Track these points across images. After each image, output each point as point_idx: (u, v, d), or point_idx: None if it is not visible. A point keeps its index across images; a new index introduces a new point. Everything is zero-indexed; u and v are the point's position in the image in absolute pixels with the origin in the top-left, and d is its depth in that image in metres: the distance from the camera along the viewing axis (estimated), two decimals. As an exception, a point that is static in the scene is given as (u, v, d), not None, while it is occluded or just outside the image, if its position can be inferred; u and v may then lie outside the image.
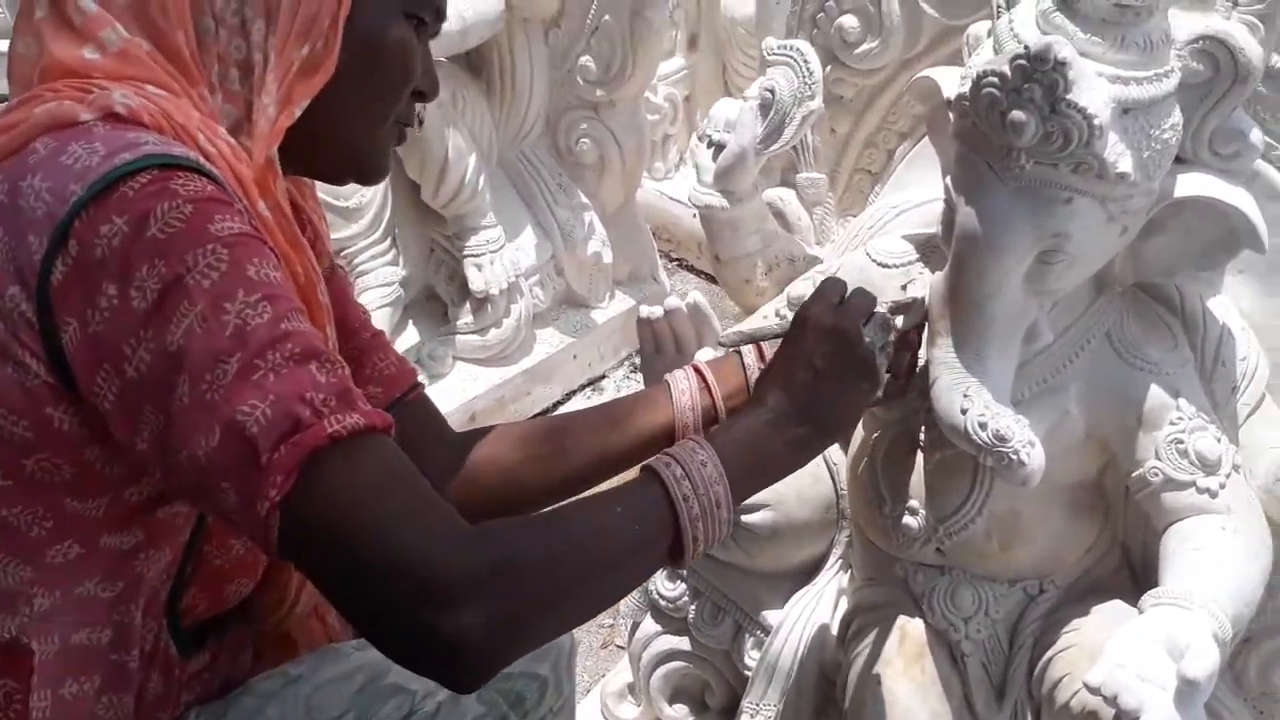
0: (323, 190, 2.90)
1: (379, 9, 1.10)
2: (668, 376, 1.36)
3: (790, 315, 1.55)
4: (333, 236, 2.95)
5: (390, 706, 1.22)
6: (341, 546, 0.90)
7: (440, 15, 1.19)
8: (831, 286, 1.26)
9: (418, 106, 1.22)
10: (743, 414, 1.17)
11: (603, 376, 3.38)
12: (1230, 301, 1.38)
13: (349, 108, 1.11)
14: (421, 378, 2.92)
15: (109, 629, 1.09)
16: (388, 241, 3.07)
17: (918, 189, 1.59)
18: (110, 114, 0.97)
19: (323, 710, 1.21)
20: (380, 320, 3.00)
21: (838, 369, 1.18)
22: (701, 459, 1.07)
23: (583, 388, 3.34)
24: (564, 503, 1.03)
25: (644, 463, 1.09)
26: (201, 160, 0.98)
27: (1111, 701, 1.12)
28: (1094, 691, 1.14)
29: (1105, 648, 1.16)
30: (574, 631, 2.40)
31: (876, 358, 1.22)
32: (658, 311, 1.51)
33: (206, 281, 0.91)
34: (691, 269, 3.95)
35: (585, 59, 3.05)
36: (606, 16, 2.97)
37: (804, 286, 1.57)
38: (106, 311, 0.91)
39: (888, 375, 1.29)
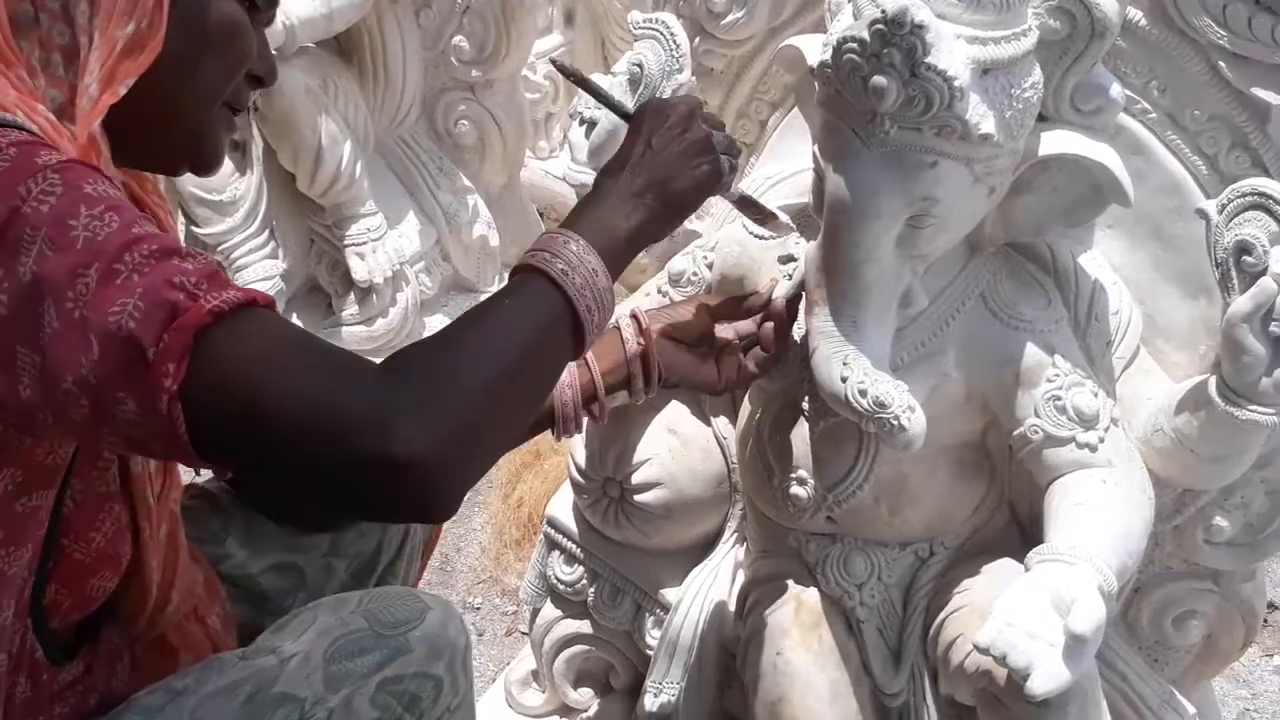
0: (195, 184, 2.86)
1: None
2: None
3: (671, 292, 1.55)
4: (208, 231, 2.92)
5: (279, 716, 1.18)
6: (257, 417, 0.87)
7: (272, 1, 1.17)
8: (680, 99, 1.28)
9: (254, 94, 1.20)
10: (588, 199, 1.17)
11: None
12: (1101, 256, 1.40)
13: (177, 89, 1.08)
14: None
15: None
16: (265, 234, 3.01)
17: (791, 159, 1.59)
18: None
19: None
20: (262, 315, 2.93)
21: (674, 145, 1.20)
22: (563, 239, 1.08)
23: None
24: (455, 320, 1.02)
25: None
26: (20, 120, 0.95)
27: (1001, 661, 1.13)
28: (984, 652, 1.15)
29: (993, 607, 1.17)
30: (476, 621, 2.41)
31: (714, 144, 1.23)
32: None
33: (45, 206, 0.88)
34: (580, 247, 3.92)
35: (459, 39, 3.00)
36: (477, -5, 2.93)
37: (683, 262, 1.56)
38: None
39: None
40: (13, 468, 1.00)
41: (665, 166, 1.19)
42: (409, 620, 1.27)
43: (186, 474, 1.34)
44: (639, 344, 1.36)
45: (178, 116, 1.11)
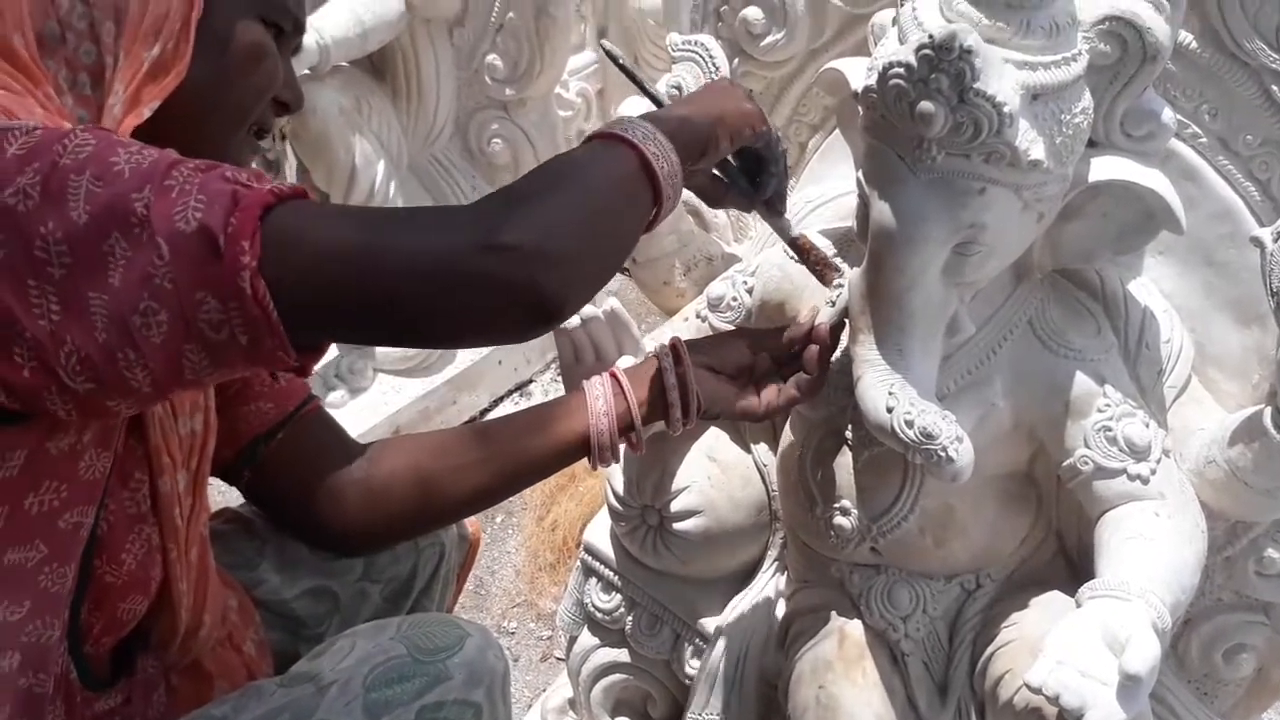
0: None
1: (233, 12, 1.09)
2: (584, 383, 1.36)
3: (711, 317, 1.53)
4: (243, 252, 2.91)
5: None
6: (344, 260, 0.88)
7: (299, 27, 1.18)
8: None
9: (279, 120, 1.21)
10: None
11: (530, 381, 3.34)
12: (1152, 283, 1.37)
13: (203, 113, 1.09)
14: (340, 393, 2.88)
15: (17, 653, 1.06)
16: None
17: (832, 182, 1.57)
18: None
19: None
20: (296, 336, 2.93)
21: (713, 89, 1.26)
22: (630, 120, 1.10)
23: (510, 393, 3.29)
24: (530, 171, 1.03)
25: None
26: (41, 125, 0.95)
27: (1054, 700, 1.10)
28: (1035, 691, 1.12)
29: (1044, 644, 1.15)
30: (512, 646, 2.39)
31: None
32: (575, 320, 1.48)
33: (83, 154, 0.89)
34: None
35: (492, 57, 3.00)
36: (511, 14, 2.92)
37: (723, 286, 1.54)
38: (2, 234, 0.88)
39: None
40: (56, 481, 1.01)
41: (710, 94, 1.24)
42: (448, 647, 1.26)
43: (217, 499, 1.33)
44: (677, 375, 1.35)
45: (202, 141, 1.11)
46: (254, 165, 1.24)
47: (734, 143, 1.23)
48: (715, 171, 1.30)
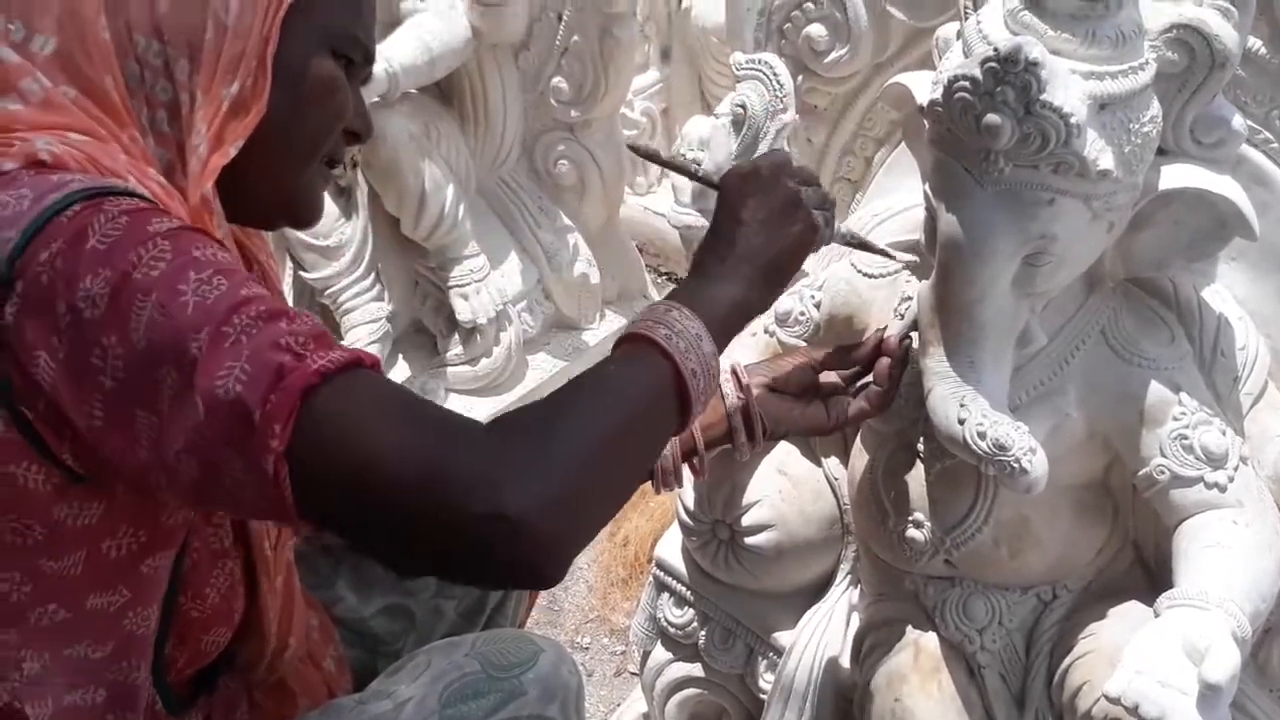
0: (303, 231, 2.91)
1: (306, 47, 1.09)
2: None
3: (778, 331, 1.53)
4: (315, 275, 2.96)
5: None
6: (363, 477, 0.87)
7: (369, 58, 1.18)
8: (766, 155, 1.26)
9: (350, 149, 1.21)
10: (688, 276, 1.16)
11: (599, 398, 3.35)
12: (1225, 290, 1.36)
13: (277, 147, 1.10)
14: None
15: (103, 689, 1.08)
16: (371, 277, 3.04)
17: (898, 195, 1.57)
18: (35, 161, 0.96)
19: None
20: (370, 358, 2.97)
21: (762, 212, 1.18)
22: (665, 308, 1.07)
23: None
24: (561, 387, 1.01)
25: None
26: (133, 186, 0.97)
27: (1133, 711, 1.10)
28: (1114, 701, 1.12)
29: (1123, 654, 1.14)
30: (585, 661, 2.40)
31: (804, 200, 1.20)
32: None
33: (155, 272, 0.89)
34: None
35: (557, 80, 3.02)
36: (575, 37, 2.94)
37: (790, 301, 1.54)
38: (67, 331, 0.89)
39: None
40: (135, 527, 1.02)
41: (757, 236, 1.17)
42: (522, 662, 1.27)
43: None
44: (739, 398, 1.35)
45: (277, 174, 1.13)
46: (326, 196, 1.24)
47: (787, 284, 1.22)
48: None
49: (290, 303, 1.24)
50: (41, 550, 0.98)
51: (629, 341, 1.05)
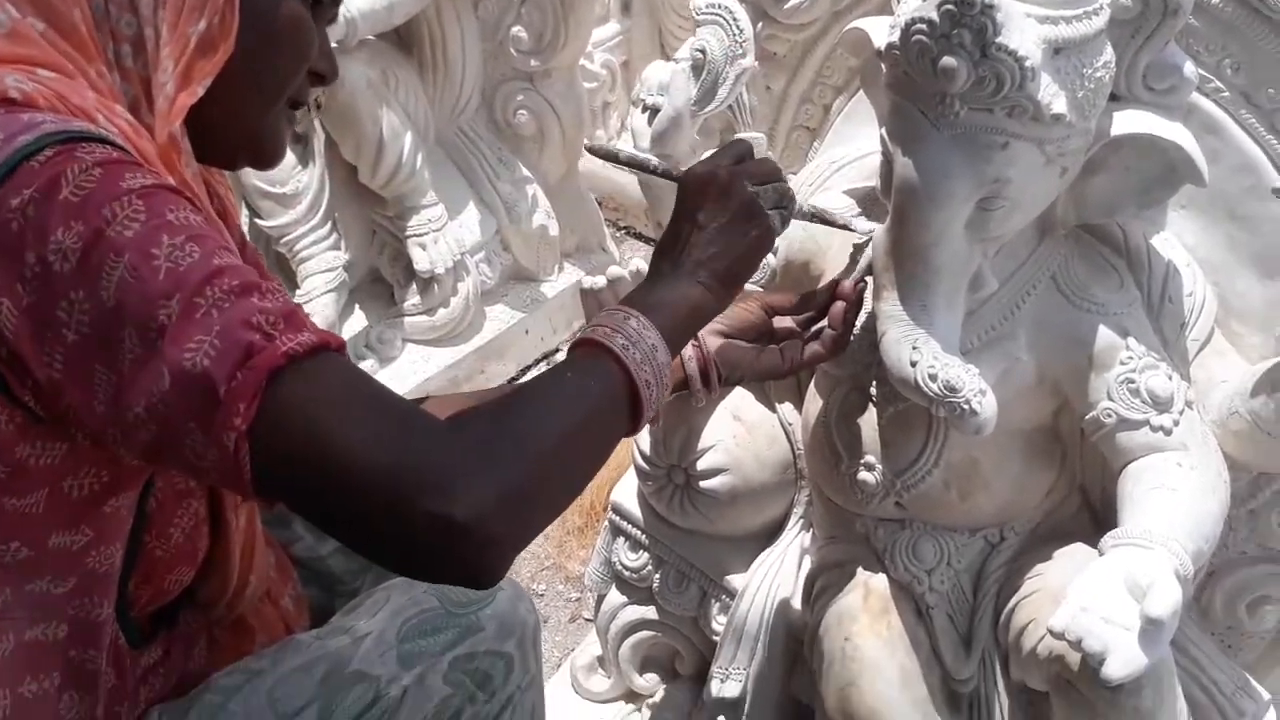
0: (259, 178, 2.90)
1: None
2: None
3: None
4: (271, 223, 2.95)
5: (354, 695, 1.21)
6: (321, 464, 0.88)
7: None
8: (727, 149, 1.26)
9: (314, 91, 1.21)
10: (646, 281, 1.17)
11: (556, 350, 3.36)
12: (1174, 237, 1.38)
13: (244, 87, 1.09)
14: (370, 362, 2.91)
15: (65, 624, 1.08)
16: (328, 226, 3.03)
17: (856, 142, 1.58)
18: (4, 99, 0.95)
19: (286, 701, 1.20)
20: (325, 306, 2.96)
21: (719, 217, 1.19)
22: (623, 315, 1.08)
23: (537, 362, 3.31)
24: (512, 388, 1.03)
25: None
26: (104, 132, 0.96)
27: (1076, 645, 1.12)
28: (1058, 636, 1.14)
29: (1068, 591, 1.16)
30: (541, 607, 2.42)
31: (760, 203, 1.21)
32: (600, 282, 1.49)
33: (129, 232, 0.89)
34: (640, 236, 3.92)
35: (517, 29, 3.01)
36: (535, -14, 2.94)
37: (748, 247, 1.55)
38: (33, 281, 0.89)
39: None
40: (97, 467, 1.02)
41: (714, 242, 1.18)
42: (480, 599, 1.29)
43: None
44: (695, 345, 1.36)
45: (242, 114, 1.12)
46: (288, 148, 1.24)
47: (743, 284, 1.23)
48: None
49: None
50: (4, 488, 0.98)
51: (586, 346, 1.07)
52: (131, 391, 0.90)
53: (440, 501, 0.86)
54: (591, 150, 1.42)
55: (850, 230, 1.38)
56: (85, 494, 1.03)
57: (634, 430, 1.08)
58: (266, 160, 1.19)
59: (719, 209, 1.19)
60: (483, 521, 0.87)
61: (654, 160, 1.38)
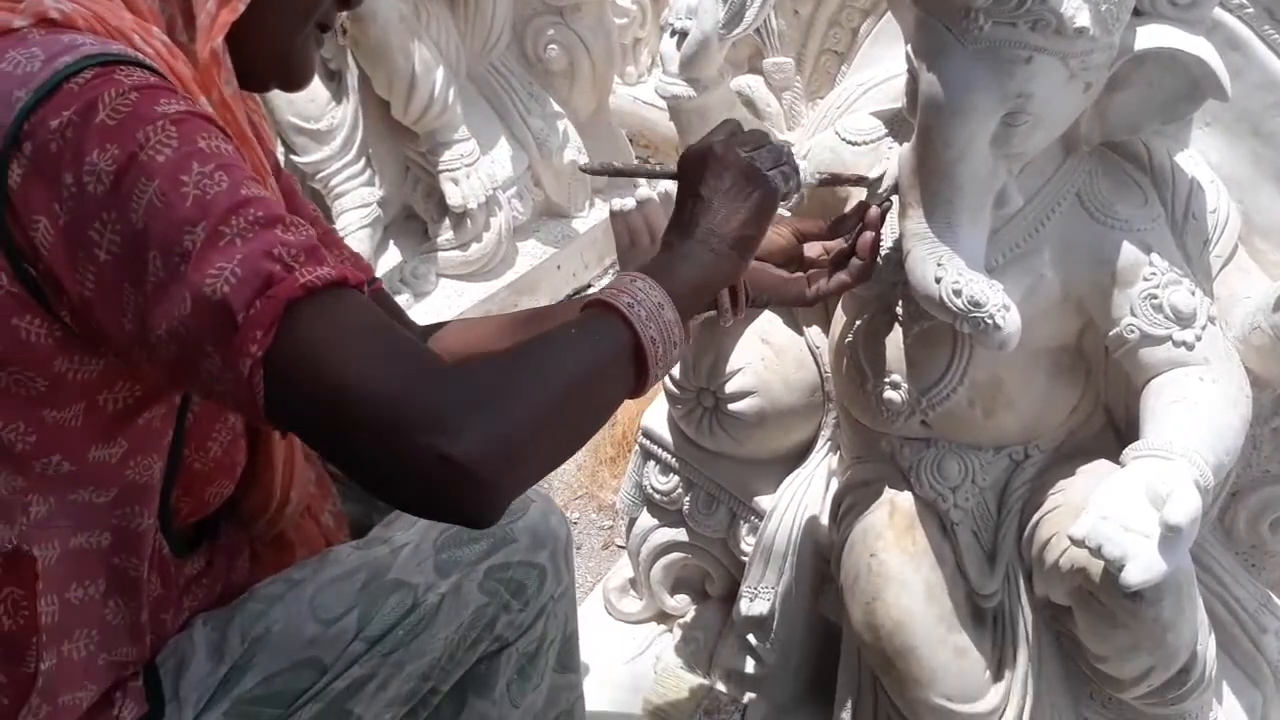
0: (293, 114, 2.92)
1: None
2: None
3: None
4: (306, 159, 2.98)
5: (393, 601, 1.24)
6: (328, 395, 0.91)
7: None
8: (717, 130, 1.28)
9: (341, 15, 1.23)
10: (652, 260, 1.19)
11: (588, 285, 3.38)
12: (1198, 154, 1.38)
13: (276, 5, 1.12)
14: (405, 296, 2.94)
15: (108, 533, 1.12)
16: (362, 162, 3.06)
17: (884, 65, 1.58)
18: (44, 19, 0.98)
19: (327, 609, 1.23)
20: (360, 241, 2.99)
21: (720, 185, 1.20)
22: (630, 278, 1.10)
23: (569, 297, 3.34)
24: (519, 342, 1.05)
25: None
26: (140, 55, 0.98)
27: (1096, 552, 1.14)
28: (1078, 543, 1.16)
29: (1089, 502, 1.18)
30: (575, 533, 2.46)
31: (757, 166, 1.22)
32: (630, 203, 1.51)
33: (160, 157, 0.92)
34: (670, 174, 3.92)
35: (548, -37, 3.02)
36: (565, -80, 2.93)
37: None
38: (70, 201, 0.92)
39: (798, 195, 1.34)
40: (131, 381, 1.06)
41: (718, 210, 1.19)
42: (513, 512, 1.32)
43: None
44: None
45: (274, 34, 1.15)
46: (317, 71, 1.26)
47: (753, 254, 1.25)
48: None
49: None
50: (44, 401, 1.02)
51: (593, 307, 1.09)
52: (155, 313, 0.93)
53: (439, 439, 0.89)
54: (585, 169, 1.49)
55: (864, 182, 1.40)
56: (120, 407, 1.06)
57: (639, 388, 1.09)
58: (295, 81, 1.21)
59: (718, 179, 1.20)
60: (479, 463, 0.90)
61: (651, 163, 1.40)
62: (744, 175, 1.21)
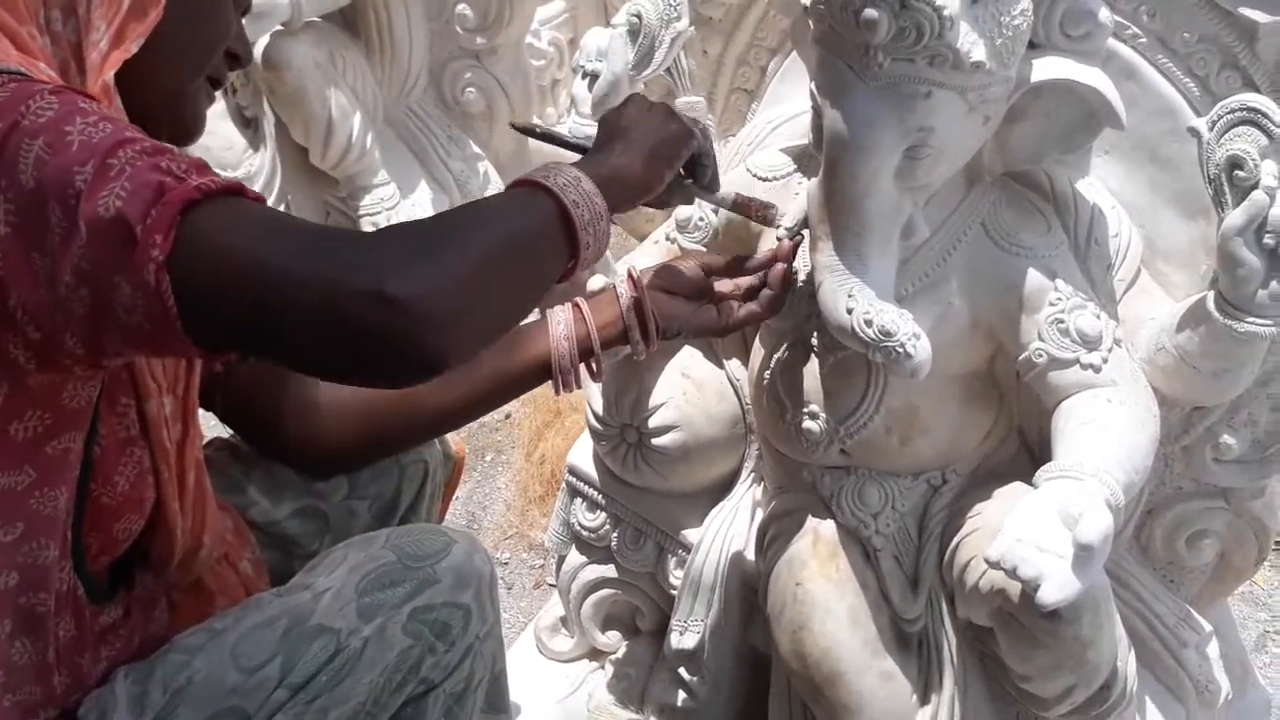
0: (210, 161, 2.89)
1: None
2: (548, 311, 1.41)
3: (679, 238, 1.58)
4: (224, 208, 2.95)
5: (316, 647, 1.23)
6: (249, 280, 0.90)
7: None
8: (628, 100, 1.31)
9: (231, 74, 1.26)
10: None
11: (514, 324, 3.38)
12: (1099, 181, 1.42)
13: (168, 54, 1.13)
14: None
15: (15, 572, 1.12)
16: (281, 207, 3.05)
17: (791, 102, 1.61)
18: None
19: (249, 657, 1.23)
20: (281, 288, 2.97)
21: (641, 115, 1.26)
22: (545, 166, 1.13)
23: (494, 337, 3.34)
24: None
25: None
26: (23, 69, 0.99)
27: (1012, 573, 1.16)
28: (994, 565, 1.17)
29: (1003, 524, 1.20)
30: (505, 575, 2.45)
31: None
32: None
33: (42, 119, 0.93)
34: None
35: (462, 7, 3.02)
36: (478, -37, 2.95)
37: (690, 209, 1.58)
38: None
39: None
40: (40, 410, 1.05)
41: (638, 129, 1.23)
42: (436, 553, 1.32)
43: (209, 429, 1.39)
44: (633, 297, 1.39)
45: (165, 82, 1.17)
46: (233, 118, 1.29)
47: (673, 169, 1.27)
48: None
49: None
50: None
51: (511, 188, 1.12)
52: (61, 264, 0.92)
53: (378, 284, 0.88)
54: (513, 126, 1.50)
55: (768, 223, 1.42)
56: (30, 436, 1.06)
57: (574, 257, 1.11)
58: (185, 133, 1.22)
59: (639, 115, 1.25)
60: (424, 299, 0.89)
61: (570, 137, 1.42)
62: (663, 112, 1.27)
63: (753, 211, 1.42)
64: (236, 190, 0.95)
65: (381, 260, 0.90)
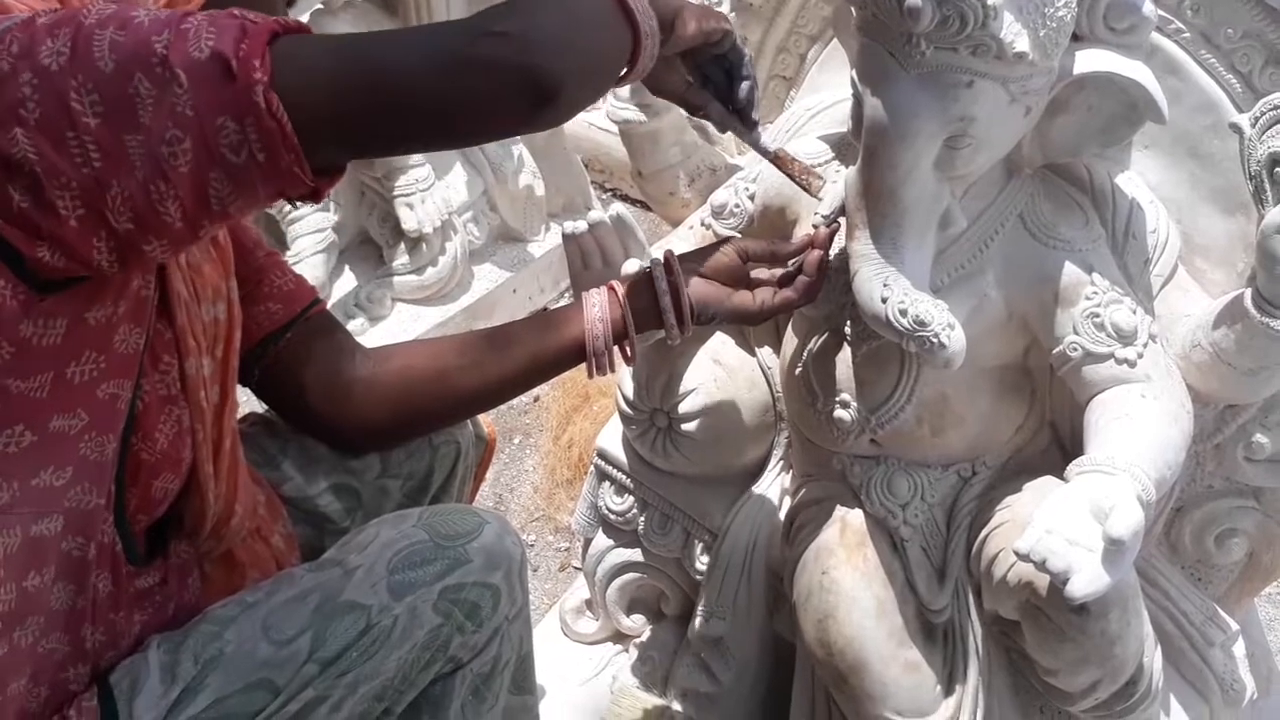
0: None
1: None
2: (584, 294, 1.41)
3: (714, 224, 1.58)
4: (260, 186, 2.97)
5: (347, 622, 1.24)
6: (354, 71, 0.96)
7: None
8: None
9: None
10: None
11: (544, 309, 3.39)
12: (1138, 176, 1.41)
13: None
14: (360, 321, 2.93)
15: (61, 516, 1.13)
16: (317, 188, 3.05)
17: (830, 90, 1.61)
18: None
19: (280, 630, 1.24)
20: (315, 266, 2.99)
21: None
22: None
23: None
24: None
25: None
26: None
27: (1040, 566, 1.15)
28: (1023, 557, 1.17)
29: (1034, 516, 1.20)
30: (531, 557, 2.47)
31: None
32: (582, 226, 1.52)
33: (106, 13, 0.95)
34: (625, 197, 3.95)
35: (501, -11, 3.03)
36: (519, -55, 2.95)
37: (726, 194, 1.58)
38: (35, 94, 0.93)
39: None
40: (94, 351, 1.07)
41: None
42: (468, 533, 1.32)
43: (245, 405, 1.40)
44: (669, 283, 1.39)
45: None
46: None
47: (700, 30, 1.27)
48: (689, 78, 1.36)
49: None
50: (10, 370, 1.02)
51: None
52: (159, 125, 0.94)
53: (493, 28, 0.97)
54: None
55: (809, 189, 1.42)
56: (85, 379, 1.08)
57: (636, 39, 1.16)
58: None
59: None
60: (533, 35, 0.98)
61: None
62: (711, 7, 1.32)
63: (795, 170, 1.41)
64: (307, 29, 1.00)
65: (475, 17, 0.98)
